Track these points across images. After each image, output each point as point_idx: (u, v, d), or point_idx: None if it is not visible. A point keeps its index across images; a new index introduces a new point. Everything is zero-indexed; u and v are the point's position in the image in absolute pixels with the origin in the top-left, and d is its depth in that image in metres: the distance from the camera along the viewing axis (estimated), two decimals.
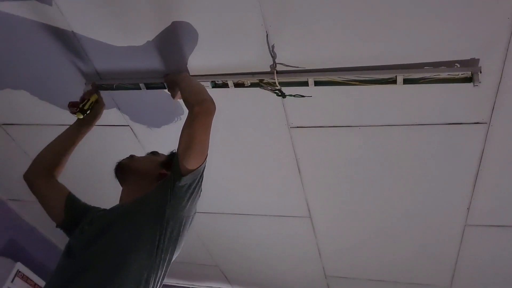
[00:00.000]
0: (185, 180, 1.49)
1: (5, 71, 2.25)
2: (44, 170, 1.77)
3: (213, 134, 1.98)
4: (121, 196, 1.68)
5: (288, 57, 1.83)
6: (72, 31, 1.94)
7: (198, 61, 1.94)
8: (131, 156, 1.80)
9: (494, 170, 2.12)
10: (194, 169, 1.50)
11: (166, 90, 2.00)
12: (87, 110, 1.85)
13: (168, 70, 2.00)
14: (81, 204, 1.72)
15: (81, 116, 1.84)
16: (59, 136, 1.86)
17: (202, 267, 3.75)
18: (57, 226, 1.70)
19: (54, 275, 1.45)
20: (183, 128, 1.57)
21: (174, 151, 1.62)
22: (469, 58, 1.66)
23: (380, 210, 2.56)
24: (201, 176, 1.55)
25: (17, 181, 3.07)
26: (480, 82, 1.64)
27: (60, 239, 3.73)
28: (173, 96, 1.94)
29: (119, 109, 2.32)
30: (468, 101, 1.83)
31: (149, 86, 2.07)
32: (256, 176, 2.55)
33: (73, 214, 1.67)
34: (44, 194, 1.73)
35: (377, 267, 3.17)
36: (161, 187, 1.53)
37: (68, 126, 1.90)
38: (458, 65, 1.66)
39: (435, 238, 2.70)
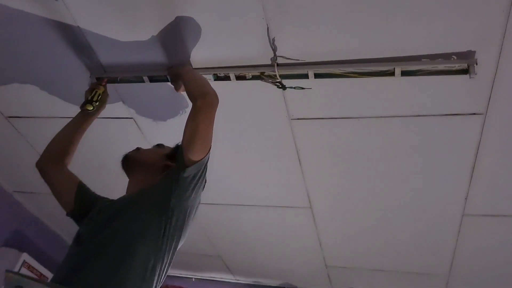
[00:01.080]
0: (189, 171, 1.53)
1: (11, 64, 2.29)
2: (55, 158, 1.82)
3: (215, 126, 2.03)
4: (127, 187, 1.73)
5: (289, 50, 1.87)
6: (78, 26, 1.98)
7: (201, 54, 1.97)
8: (137, 149, 1.85)
9: (491, 160, 2.16)
10: (198, 160, 1.54)
11: (170, 83, 2.05)
12: (96, 102, 1.92)
13: (171, 63, 2.04)
14: (91, 193, 1.77)
15: (91, 108, 1.90)
16: (67, 125, 1.92)
17: (205, 258, 3.80)
18: (67, 215, 1.74)
19: (64, 262, 1.50)
20: (187, 121, 1.61)
21: (179, 144, 1.66)
22: (465, 50, 1.69)
23: (379, 200, 2.61)
24: (205, 167, 1.60)
25: (22, 173, 3.17)
26: (476, 74, 1.68)
27: (65, 231, 3.80)
28: (177, 89, 1.98)
29: (123, 102, 2.36)
30: (464, 92, 1.87)
31: (152, 79, 2.11)
32: (258, 167, 2.59)
33: (83, 203, 1.71)
34: (55, 181, 1.77)
35: (376, 257, 3.22)
36: (166, 178, 1.58)
37: (71, 117, 1.96)
38: (455, 57, 1.70)
39: (433, 228, 2.74)
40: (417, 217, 2.68)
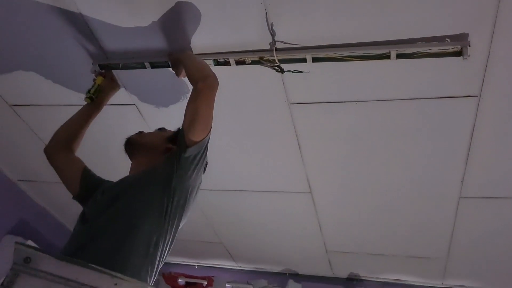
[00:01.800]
0: (190, 151, 1.58)
1: (14, 53, 2.33)
2: (63, 145, 1.89)
3: (215, 112, 2.07)
4: (130, 170, 1.79)
5: (287, 35, 1.91)
6: (80, 12, 2.02)
7: (200, 40, 2.01)
8: (140, 132, 1.91)
9: (486, 142, 2.20)
10: (199, 141, 1.59)
11: (171, 69, 2.09)
12: (94, 94, 1.99)
13: (172, 49, 2.08)
14: (95, 177, 1.83)
15: (89, 100, 1.99)
16: (76, 113, 2.00)
17: (208, 245, 3.86)
18: (73, 198, 1.80)
19: (69, 240, 1.55)
20: (188, 103, 1.66)
21: (180, 127, 1.71)
22: (459, 33, 1.73)
23: (377, 184, 2.65)
24: (206, 147, 1.65)
25: (26, 162, 3.22)
26: (469, 56, 1.72)
27: (68, 219, 3.85)
28: (178, 74, 2.02)
29: (125, 88, 2.40)
30: (459, 75, 1.91)
31: (154, 65, 2.14)
32: (258, 152, 2.63)
33: (88, 186, 1.77)
34: (62, 166, 1.84)
35: (376, 241, 3.26)
36: (168, 158, 1.63)
37: (76, 106, 2.06)
38: (449, 40, 1.73)
39: (431, 211, 2.78)
40: (415, 201, 2.72)
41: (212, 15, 1.91)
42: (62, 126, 1.95)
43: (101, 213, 1.55)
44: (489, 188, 2.51)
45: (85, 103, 2.01)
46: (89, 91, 2.00)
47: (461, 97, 2.00)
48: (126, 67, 2.18)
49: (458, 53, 1.73)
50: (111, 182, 1.79)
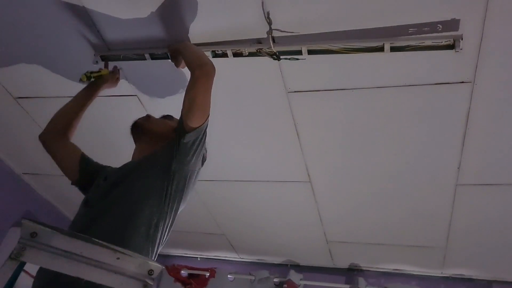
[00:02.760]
0: (189, 137, 1.63)
1: (18, 45, 2.38)
2: (58, 131, 1.92)
3: (213, 102, 2.11)
4: (133, 153, 1.84)
5: (283, 22, 1.94)
6: (84, 6, 2.07)
7: (198, 29, 2.05)
8: (148, 116, 1.95)
9: (481, 128, 2.24)
10: (197, 127, 1.64)
11: (170, 60, 2.13)
12: (90, 78, 2.04)
13: (171, 41, 2.12)
14: (94, 163, 1.89)
15: (84, 79, 2.03)
16: (69, 102, 2.03)
17: (210, 236, 3.91)
18: (72, 183, 1.86)
19: (73, 222, 1.61)
20: (186, 91, 1.71)
21: None
22: (450, 18, 1.76)
23: (374, 172, 2.69)
24: (204, 133, 1.70)
25: (31, 155, 3.27)
26: (461, 49, 1.76)
27: (73, 211, 3.90)
28: (177, 65, 2.06)
29: (126, 79, 2.45)
30: (452, 61, 1.94)
31: (153, 57, 2.18)
32: (257, 142, 2.67)
33: (87, 172, 1.83)
34: (59, 153, 1.89)
35: (375, 231, 3.30)
36: (169, 143, 1.69)
37: None
38: (440, 26, 1.77)
39: (429, 199, 2.82)
40: (412, 188, 2.76)
41: (209, 4, 1.95)
42: (56, 114, 1.98)
43: (103, 197, 1.61)
44: (485, 175, 2.55)
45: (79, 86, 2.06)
46: (90, 72, 2.05)
47: (455, 83, 2.03)
48: (126, 58, 2.22)
49: (451, 46, 1.77)
50: (112, 167, 1.85)
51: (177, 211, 1.67)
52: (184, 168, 1.65)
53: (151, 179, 1.61)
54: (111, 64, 2.21)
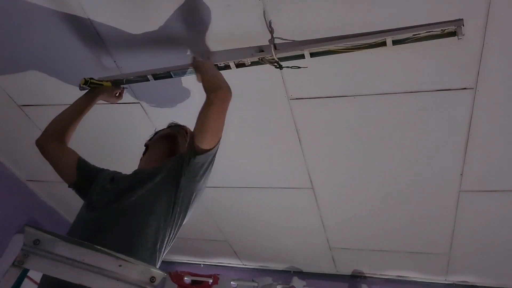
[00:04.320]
0: (199, 159, 1.65)
1: (23, 54, 2.40)
2: (55, 136, 1.94)
3: None
4: (144, 161, 1.89)
5: (285, 30, 1.95)
6: (89, 18, 2.10)
7: (202, 38, 2.07)
8: (185, 132, 1.97)
9: (483, 134, 2.23)
10: (208, 150, 1.66)
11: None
12: (88, 84, 2.08)
13: (195, 54, 2.11)
14: (91, 166, 1.90)
15: (82, 83, 2.08)
16: (66, 109, 2.05)
17: (213, 243, 3.91)
18: (69, 186, 1.87)
19: (77, 226, 1.63)
20: (200, 111, 1.71)
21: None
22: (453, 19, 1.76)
23: (377, 179, 2.69)
24: (214, 156, 1.71)
25: (35, 162, 3.28)
26: (463, 35, 1.72)
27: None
28: (197, 79, 2.02)
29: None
30: (454, 67, 1.95)
31: (156, 77, 2.15)
32: (259, 149, 2.68)
33: (85, 174, 1.84)
34: (56, 157, 1.90)
35: (378, 237, 3.30)
36: (178, 159, 1.70)
37: None
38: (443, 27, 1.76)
39: (432, 206, 2.82)
40: (415, 194, 2.76)
41: (212, 12, 1.96)
42: (53, 120, 2.00)
43: (110, 204, 1.62)
44: (488, 181, 2.54)
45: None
46: (90, 78, 2.08)
47: (457, 89, 2.04)
48: (129, 81, 2.20)
49: (453, 34, 1.74)
50: (110, 171, 1.87)
51: (180, 226, 1.69)
52: (191, 186, 1.67)
53: (160, 193, 1.63)
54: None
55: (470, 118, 2.16)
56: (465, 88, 2.03)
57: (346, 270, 3.86)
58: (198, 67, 1.98)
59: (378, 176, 2.68)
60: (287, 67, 2.02)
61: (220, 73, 1.94)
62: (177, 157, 1.72)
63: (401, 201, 2.85)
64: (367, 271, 3.82)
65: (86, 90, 2.12)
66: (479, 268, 3.36)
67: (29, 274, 1.24)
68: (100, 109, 2.59)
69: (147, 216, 1.57)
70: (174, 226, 1.64)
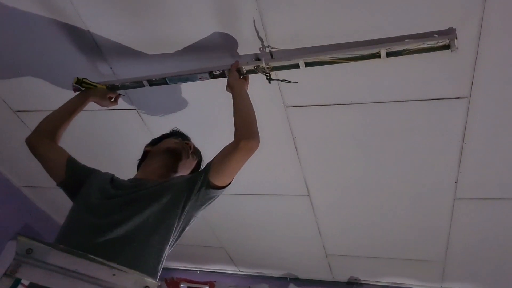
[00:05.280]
0: (211, 192, 1.67)
1: (19, 59, 2.40)
2: (46, 135, 1.92)
3: (213, 115, 2.12)
4: (145, 170, 1.88)
5: (279, 38, 1.97)
6: (89, 30, 2.11)
7: (198, 44, 2.07)
8: (190, 150, 2.00)
9: (477, 143, 2.24)
10: (221, 187, 1.69)
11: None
12: (81, 84, 2.08)
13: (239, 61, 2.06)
14: (82, 166, 1.88)
15: (75, 81, 2.08)
16: (58, 108, 2.05)
17: (209, 250, 3.90)
18: (57, 185, 1.84)
19: (71, 226, 1.63)
20: (225, 149, 1.72)
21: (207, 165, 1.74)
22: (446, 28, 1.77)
23: (373, 186, 2.70)
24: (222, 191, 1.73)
25: (30, 168, 3.27)
26: (457, 48, 1.74)
27: None
28: (227, 89, 2.03)
29: (126, 93, 2.46)
30: (448, 76, 1.96)
31: (152, 83, 2.14)
32: (255, 155, 2.65)
33: (75, 174, 1.82)
34: (45, 155, 1.87)
35: (374, 245, 3.30)
36: (188, 183, 1.69)
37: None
38: (437, 36, 1.76)
39: (427, 213, 2.83)
40: (411, 203, 2.76)
41: (209, 21, 1.97)
42: (44, 119, 1.98)
43: (114, 213, 1.60)
44: (483, 189, 2.55)
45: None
46: (83, 78, 2.08)
47: (452, 98, 2.05)
48: (125, 87, 2.20)
49: (447, 47, 1.75)
50: (109, 173, 1.86)
51: (173, 246, 1.70)
52: (193, 212, 1.68)
53: (166, 215, 1.62)
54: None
55: (465, 127, 2.17)
56: (459, 97, 2.04)
57: (343, 277, 3.86)
58: (232, 87, 1.95)
59: (373, 183, 2.69)
60: (277, 80, 2.03)
61: (253, 109, 1.90)
62: (187, 180, 1.71)
63: (397, 209, 2.85)
64: (363, 278, 3.82)
65: (79, 92, 2.11)
66: (474, 275, 3.36)
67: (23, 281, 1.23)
68: (96, 115, 2.60)
69: (152, 237, 1.56)
70: (170, 246, 1.65)
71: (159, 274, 1.58)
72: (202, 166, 1.99)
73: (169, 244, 1.61)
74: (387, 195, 2.75)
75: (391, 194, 2.73)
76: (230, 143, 1.73)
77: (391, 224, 3.01)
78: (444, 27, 1.77)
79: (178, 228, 1.64)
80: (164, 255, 1.60)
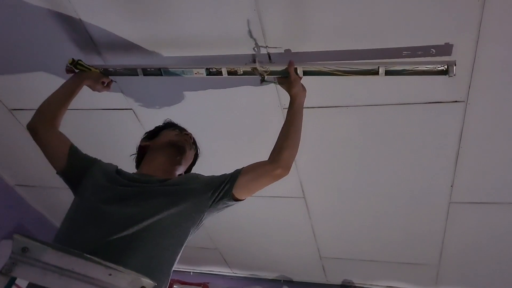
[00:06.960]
0: (230, 203, 1.70)
1: (13, 57, 2.39)
2: (47, 119, 1.87)
3: (208, 117, 2.10)
4: (146, 165, 1.85)
5: (277, 40, 1.97)
6: (80, 19, 2.09)
7: (195, 42, 2.07)
8: (193, 146, 2.00)
9: (474, 147, 2.25)
10: (238, 200, 1.71)
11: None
12: (76, 65, 2.06)
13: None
14: (84, 155, 1.84)
15: (70, 62, 2.05)
16: (56, 91, 2.00)
17: (203, 251, 3.88)
18: (57, 173, 1.80)
19: (75, 222, 1.59)
20: (258, 167, 1.75)
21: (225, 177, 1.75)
22: (443, 43, 1.79)
23: (368, 189, 2.70)
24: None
25: (24, 167, 3.26)
26: (454, 74, 1.77)
27: None
28: (281, 83, 2.00)
29: (122, 92, 2.45)
30: (445, 80, 1.95)
31: (146, 73, 2.12)
32: (251, 157, 2.64)
33: (76, 162, 1.78)
34: (47, 141, 1.82)
35: (369, 248, 3.30)
36: (212, 190, 1.69)
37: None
38: (434, 51, 1.79)
39: (422, 217, 2.83)
40: (406, 206, 2.77)
41: (204, 18, 1.96)
42: (42, 104, 1.94)
43: (125, 209, 1.56)
44: (478, 193, 2.56)
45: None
46: (79, 60, 2.05)
47: (448, 102, 2.05)
48: (118, 73, 2.17)
49: (444, 72, 1.78)
50: (104, 163, 1.83)
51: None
52: (206, 219, 1.70)
53: (183, 220, 1.61)
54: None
55: (461, 131, 2.18)
56: (456, 101, 2.04)
57: (336, 279, 3.86)
58: (297, 100, 1.91)
59: (369, 186, 2.69)
60: (270, 81, 2.05)
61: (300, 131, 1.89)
62: (207, 186, 1.69)
63: (392, 212, 2.85)
64: (357, 281, 3.82)
65: (72, 74, 2.08)
66: (468, 279, 3.37)
67: (17, 281, 1.22)
68: (92, 115, 2.59)
69: (166, 240, 1.55)
70: (181, 251, 1.64)
71: (170, 278, 1.57)
72: (199, 156, 2.05)
73: (182, 249, 1.61)
74: (382, 198, 2.76)
75: (387, 197, 2.73)
76: (266, 163, 1.75)
77: (386, 227, 3.01)
78: (442, 32, 1.78)
79: (191, 233, 1.64)
80: (177, 259, 1.59)
